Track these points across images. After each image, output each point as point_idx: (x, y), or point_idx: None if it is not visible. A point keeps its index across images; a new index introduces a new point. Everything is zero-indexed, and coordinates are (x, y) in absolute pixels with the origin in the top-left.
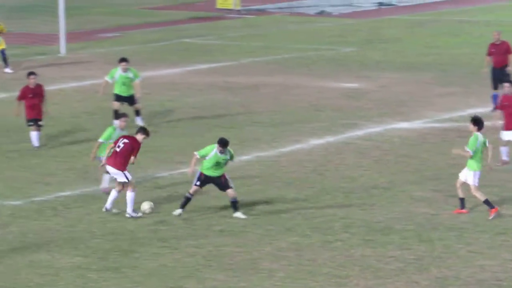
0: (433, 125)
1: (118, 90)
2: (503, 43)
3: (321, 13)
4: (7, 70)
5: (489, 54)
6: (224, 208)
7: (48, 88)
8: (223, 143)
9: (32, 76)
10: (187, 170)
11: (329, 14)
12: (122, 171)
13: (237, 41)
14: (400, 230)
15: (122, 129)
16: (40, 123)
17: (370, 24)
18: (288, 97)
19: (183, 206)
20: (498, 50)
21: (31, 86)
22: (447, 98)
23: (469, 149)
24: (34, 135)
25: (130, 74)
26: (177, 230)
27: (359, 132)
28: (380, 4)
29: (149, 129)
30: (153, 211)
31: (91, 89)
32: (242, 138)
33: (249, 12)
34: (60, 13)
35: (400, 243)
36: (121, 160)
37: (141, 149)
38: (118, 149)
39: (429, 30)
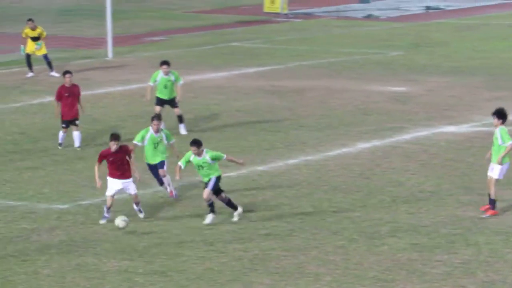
0: (480, 129)
1: (160, 93)
2: None
3: (369, 16)
4: (53, 73)
5: None
6: (270, 210)
7: (95, 91)
8: (194, 143)
9: (67, 75)
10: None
11: (376, 18)
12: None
13: (284, 44)
14: (446, 234)
15: (155, 131)
16: (76, 122)
17: (417, 28)
18: (334, 101)
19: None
20: None
21: (67, 85)
22: (495, 102)
23: (506, 142)
24: (62, 135)
25: (172, 77)
26: (223, 234)
27: (406, 136)
28: (428, 8)
29: (197, 134)
30: (127, 225)
31: (137, 92)
32: (289, 142)
33: (296, 16)
34: (107, 17)
35: (446, 247)
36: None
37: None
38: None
39: (477, 34)
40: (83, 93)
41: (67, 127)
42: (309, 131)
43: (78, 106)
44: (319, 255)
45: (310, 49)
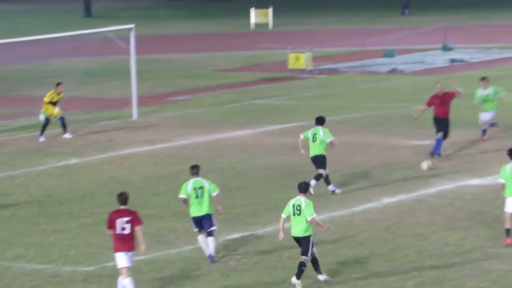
0: None
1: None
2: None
3: (393, 71)
4: (67, 135)
5: None
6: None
7: (120, 152)
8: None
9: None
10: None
11: (401, 72)
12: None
13: (308, 101)
14: (473, 287)
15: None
16: None
17: (442, 81)
18: (359, 156)
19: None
20: None
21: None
22: None
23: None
24: None
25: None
26: None
27: (431, 190)
28: (452, 60)
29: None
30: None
31: (162, 152)
32: (314, 198)
33: (320, 71)
34: (132, 77)
35: None
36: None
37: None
38: (126, 232)
39: (502, 86)
40: (108, 154)
41: None
42: (334, 187)
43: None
44: None
45: (335, 105)
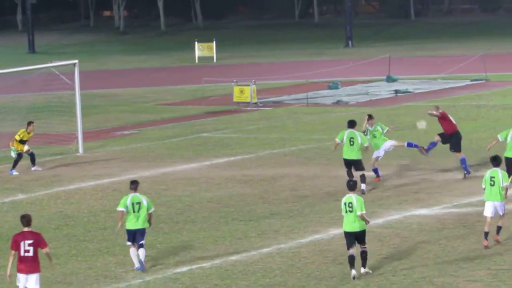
0: (451, 211)
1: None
2: None
3: (338, 103)
4: (35, 168)
5: None
6: None
7: (67, 187)
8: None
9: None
10: None
11: (345, 104)
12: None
13: (254, 133)
14: None
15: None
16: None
17: (386, 111)
18: (306, 188)
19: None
20: None
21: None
22: (466, 183)
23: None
24: None
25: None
26: None
27: (379, 220)
28: (397, 91)
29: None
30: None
31: (109, 187)
32: (261, 230)
33: (266, 104)
34: (77, 112)
35: None
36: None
37: (159, 246)
38: (29, 255)
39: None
40: (54, 189)
41: None
42: (281, 219)
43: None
44: None
45: (280, 137)
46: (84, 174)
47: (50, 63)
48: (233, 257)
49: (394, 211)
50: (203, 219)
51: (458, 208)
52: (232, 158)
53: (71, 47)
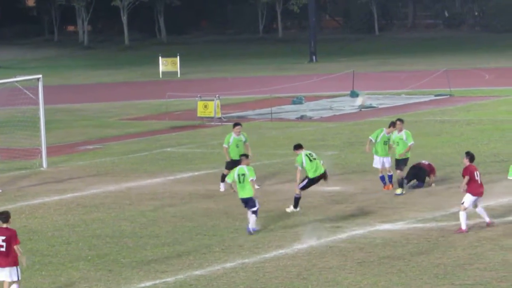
0: (415, 226)
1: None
2: None
3: (302, 118)
4: None
5: None
6: None
7: (31, 202)
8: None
9: None
10: None
11: (309, 119)
12: (16, 265)
13: (218, 148)
14: None
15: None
16: None
17: (350, 127)
18: (269, 203)
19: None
20: None
21: None
22: (429, 198)
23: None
24: None
25: (243, 138)
26: None
27: (342, 235)
28: (360, 107)
29: (133, 240)
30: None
31: (73, 201)
32: (225, 245)
33: (229, 119)
34: (41, 127)
35: None
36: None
37: (123, 260)
38: (1, 250)
39: (410, 131)
40: (18, 204)
41: None
42: (245, 234)
43: None
44: None
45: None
46: (48, 188)
47: (14, 77)
48: (197, 272)
49: (357, 226)
50: (167, 233)
51: (422, 223)
52: (196, 173)
53: (35, 62)
